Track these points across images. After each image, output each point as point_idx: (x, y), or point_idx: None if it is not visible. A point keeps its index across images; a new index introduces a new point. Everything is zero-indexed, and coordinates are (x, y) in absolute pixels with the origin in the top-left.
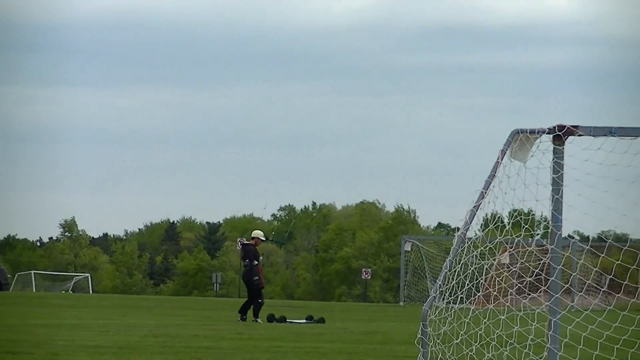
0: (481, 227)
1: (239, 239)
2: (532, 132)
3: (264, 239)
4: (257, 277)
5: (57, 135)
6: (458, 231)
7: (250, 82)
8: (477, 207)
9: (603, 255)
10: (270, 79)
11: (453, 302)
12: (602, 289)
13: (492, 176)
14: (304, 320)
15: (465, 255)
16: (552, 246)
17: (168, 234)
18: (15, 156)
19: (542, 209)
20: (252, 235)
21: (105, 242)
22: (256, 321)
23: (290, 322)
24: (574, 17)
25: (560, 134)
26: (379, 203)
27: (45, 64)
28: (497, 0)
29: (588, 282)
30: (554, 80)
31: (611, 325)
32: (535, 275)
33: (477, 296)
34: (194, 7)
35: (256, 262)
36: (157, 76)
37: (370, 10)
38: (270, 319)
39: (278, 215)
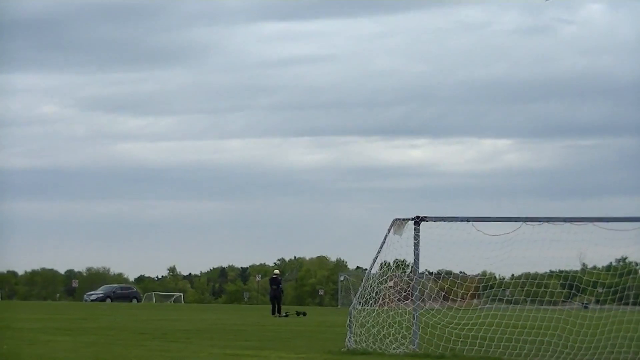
0: (380, 267)
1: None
2: (404, 219)
3: (280, 274)
4: (282, 296)
5: None
6: (369, 268)
7: None
8: (376, 258)
9: (440, 281)
10: None
11: (365, 305)
12: (439, 299)
13: (383, 242)
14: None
15: (371, 281)
16: (415, 276)
17: (222, 272)
18: None
19: (409, 258)
20: (275, 272)
21: (190, 276)
22: (285, 315)
23: (288, 314)
24: None
25: (418, 220)
26: (327, 257)
27: None
28: None
29: (433, 295)
30: None
31: (447, 314)
32: (406, 292)
33: (377, 302)
34: None
35: (280, 287)
36: None
37: None
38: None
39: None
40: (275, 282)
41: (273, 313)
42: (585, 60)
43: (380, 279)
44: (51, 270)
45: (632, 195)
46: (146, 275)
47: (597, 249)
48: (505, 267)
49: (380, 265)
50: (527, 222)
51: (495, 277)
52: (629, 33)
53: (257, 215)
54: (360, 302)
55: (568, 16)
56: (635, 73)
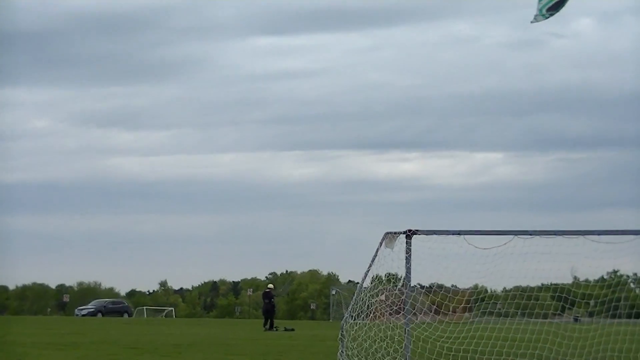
0: (372, 280)
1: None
2: (396, 233)
3: (273, 288)
4: (275, 310)
5: None
6: (360, 282)
7: None
8: (367, 271)
9: (431, 295)
10: None
11: (357, 319)
12: (431, 313)
13: (375, 256)
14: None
15: (363, 295)
16: (406, 290)
17: (213, 286)
18: None
19: (401, 271)
20: (269, 286)
21: (181, 291)
22: (276, 329)
23: (277, 329)
24: None
25: (410, 234)
26: (319, 270)
27: None
28: None
29: (424, 309)
30: None
31: (439, 328)
32: (397, 306)
33: (369, 316)
34: None
35: (273, 301)
36: None
37: None
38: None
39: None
40: (267, 296)
41: (265, 327)
42: (576, 74)
43: (372, 293)
44: (42, 284)
45: (623, 208)
46: (137, 289)
47: (589, 262)
48: (497, 280)
49: (372, 279)
50: (519, 235)
51: (486, 291)
52: (619, 47)
53: (248, 229)
54: (352, 316)
55: (559, 30)
56: (626, 87)
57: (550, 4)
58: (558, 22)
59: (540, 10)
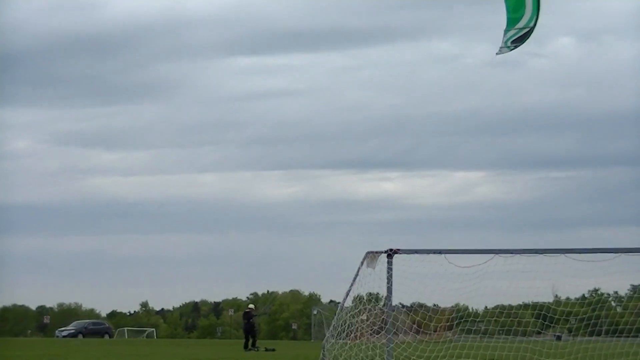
0: (353, 300)
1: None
2: (377, 252)
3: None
4: (256, 329)
5: None
6: (341, 302)
7: None
8: (349, 291)
9: (412, 314)
10: None
11: (338, 339)
12: (412, 332)
13: (356, 275)
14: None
15: (344, 315)
16: (387, 309)
17: (195, 307)
18: None
19: (382, 291)
20: (249, 306)
21: (162, 311)
22: (256, 349)
23: (258, 349)
24: None
25: (391, 253)
26: (300, 290)
27: None
28: None
29: (405, 328)
30: None
31: (419, 348)
32: (379, 325)
33: (350, 336)
34: None
35: (252, 321)
36: None
37: None
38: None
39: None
40: (247, 316)
41: (246, 347)
42: (555, 93)
43: (353, 313)
44: (23, 306)
45: (604, 227)
46: (118, 310)
47: (570, 280)
48: (478, 299)
49: (354, 298)
50: (500, 254)
51: (468, 309)
52: (597, 66)
53: (229, 249)
54: (333, 336)
55: (538, 50)
56: (605, 105)
57: (515, 37)
58: (537, 42)
59: (505, 42)
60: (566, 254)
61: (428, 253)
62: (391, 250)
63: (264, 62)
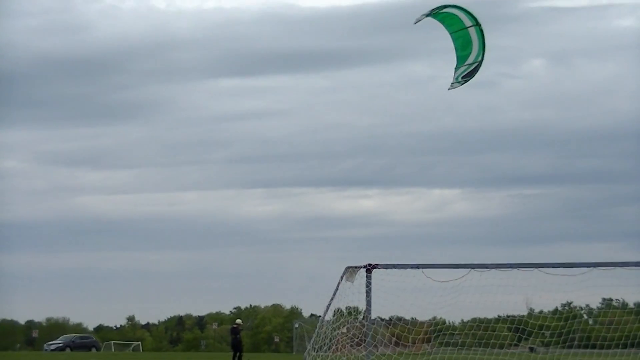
0: (333, 314)
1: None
2: (356, 267)
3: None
4: (242, 344)
5: None
6: (322, 315)
7: None
8: (329, 305)
9: (391, 327)
10: None
11: (319, 351)
12: (391, 345)
13: (336, 289)
14: None
15: (325, 328)
16: (367, 323)
17: (179, 321)
18: None
19: (361, 304)
20: (237, 322)
21: (148, 325)
22: None
23: None
24: None
25: (370, 268)
26: (282, 305)
27: None
28: None
29: (384, 341)
30: None
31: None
32: (359, 338)
33: (331, 348)
34: None
35: (239, 336)
36: None
37: None
38: None
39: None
40: (234, 331)
41: None
42: (528, 113)
43: (334, 326)
44: (11, 320)
45: (576, 242)
46: (105, 324)
47: (543, 294)
48: (455, 312)
49: (334, 312)
50: (475, 269)
51: (445, 322)
52: (569, 87)
53: (213, 264)
54: (314, 349)
55: (511, 71)
56: (576, 124)
57: (465, 73)
58: (510, 63)
59: (456, 78)
60: (539, 269)
61: (406, 268)
62: (370, 265)
63: (246, 84)
